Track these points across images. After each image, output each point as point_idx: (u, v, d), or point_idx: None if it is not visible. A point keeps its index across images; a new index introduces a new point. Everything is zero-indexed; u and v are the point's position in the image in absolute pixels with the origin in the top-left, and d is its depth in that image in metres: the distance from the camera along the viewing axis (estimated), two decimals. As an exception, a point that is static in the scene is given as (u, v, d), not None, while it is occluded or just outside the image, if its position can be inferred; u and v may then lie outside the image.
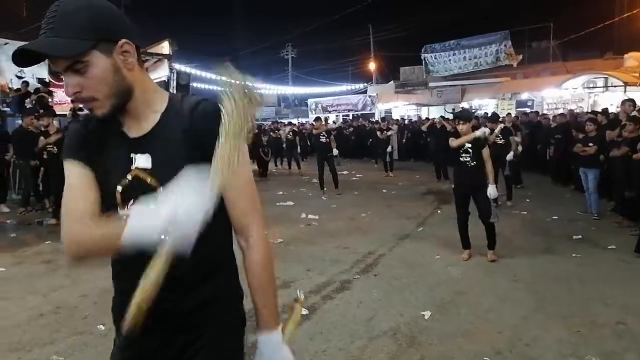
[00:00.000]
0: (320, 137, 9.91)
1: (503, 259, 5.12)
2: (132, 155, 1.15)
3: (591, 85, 15.89)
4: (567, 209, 7.57)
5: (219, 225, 1.19)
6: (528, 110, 16.52)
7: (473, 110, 17.55)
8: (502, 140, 7.80)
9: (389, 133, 12.48)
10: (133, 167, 1.14)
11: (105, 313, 3.81)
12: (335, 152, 9.89)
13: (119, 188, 1.14)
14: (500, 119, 8.74)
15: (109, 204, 1.15)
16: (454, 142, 4.97)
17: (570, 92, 16.36)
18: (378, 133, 12.95)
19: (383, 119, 14.44)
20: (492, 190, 4.87)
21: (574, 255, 5.21)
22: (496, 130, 7.68)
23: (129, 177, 1.14)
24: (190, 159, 1.09)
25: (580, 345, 3.18)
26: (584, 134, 7.51)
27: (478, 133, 5.02)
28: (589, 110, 12.23)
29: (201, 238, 1.01)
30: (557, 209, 7.51)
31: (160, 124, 1.16)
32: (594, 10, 21.21)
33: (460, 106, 18.66)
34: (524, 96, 18.20)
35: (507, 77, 19.42)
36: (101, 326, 3.56)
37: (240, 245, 1.27)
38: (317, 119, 10.95)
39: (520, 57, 19.32)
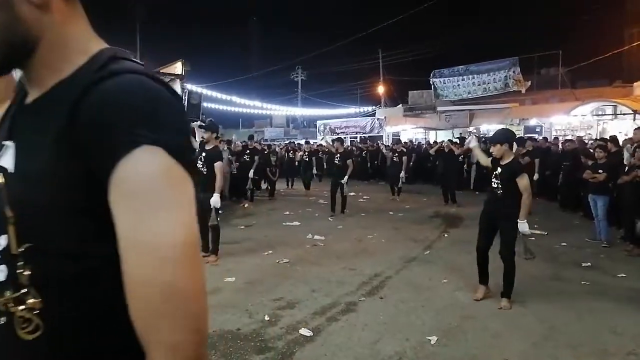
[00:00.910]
0: (335, 159, 9.85)
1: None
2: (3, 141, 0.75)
3: (600, 113, 15.89)
4: (576, 235, 7.49)
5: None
6: (536, 136, 16.51)
7: (482, 135, 17.52)
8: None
9: (403, 157, 12.12)
10: None
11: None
12: (345, 179, 9.55)
13: None
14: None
15: None
16: (482, 162, 4.88)
17: (579, 119, 16.38)
18: (394, 157, 12.63)
19: (398, 140, 14.24)
20: (522, 227, 4.29)
21: (583, 282, 5.14)
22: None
23: None
24: (57, 172, 0.67)
25: (590, 374, 3.11)
26: (593, 160, 7.48)
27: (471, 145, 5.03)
28: (598, 137, 12.20)
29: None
30: (565, 236, 7.44)
31: (46, 98, 0.73)
32: (603, 39, 21.41)
33: (469, 131, 18.70)
34: (533, 122, 18.23)
35: (516, 103, 19.49)
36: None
37: None
38: (339, 140, 10.67)
39: (529, 83, 19.44)
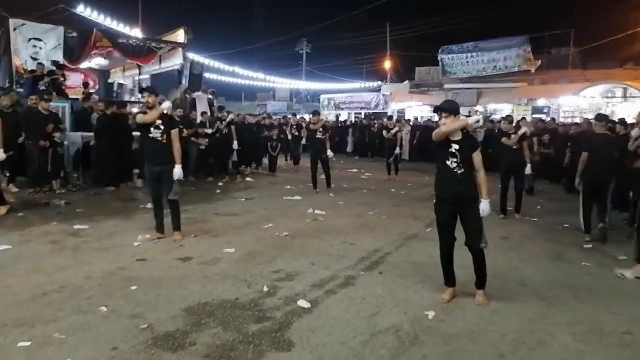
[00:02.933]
0: (317, 133, 9.41)
1: (512, 262, 5.06)
2: None
3: (609, 95, 15.68)
4: (579, 217, 7.44)
5: None
6: (544, 117, 16.34)
7: (489, 114, 17.35)
8: (516, 146, 7.23)
9: (393, 131, 11.79)
10: None
11: (108, 295, 3.85)
12: (330, 154, 9.41)
13: None
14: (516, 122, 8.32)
15: None
16: (435, 135, 3.86)
17: (588, 101, 16.18)
18: (384, 132, 12.55)
19: (390, 117, 13.99)
20: (485, 207, 3.79)
21: (583, 263, 5.13)
22: (513, 136, 7.20)
23: None
24: None
25: (585, 352, 3.12)
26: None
27: (471, 120, 4.13)
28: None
29: None
30: (568, 217, 7.40)
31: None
32: (616, 20, 20.88)
33: (475, 109, 18.51)
34: (541, 102, 18.02)
35: (524, 82, 19.23)
36: (104, 307, 3.57)
37: None
38: (315, 112, 10.19)
39: (539, 62, 19.15)
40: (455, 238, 3.91)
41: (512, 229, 6.58)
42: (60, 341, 3.05)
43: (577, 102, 16.49)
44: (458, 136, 3.78)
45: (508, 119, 7.92)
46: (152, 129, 5.41)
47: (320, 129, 9.40)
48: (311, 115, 10.30)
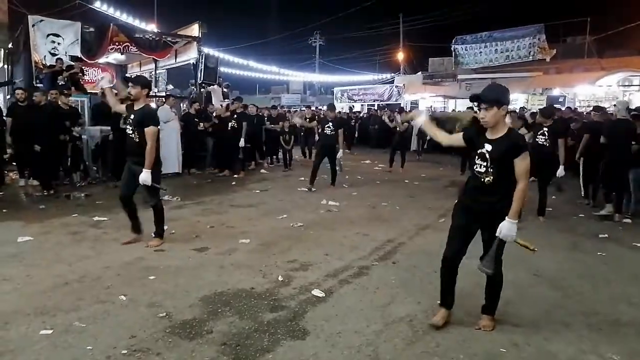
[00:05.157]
0: (326, 128, 8.68)
1: (525, 252, 5.02)
2: None
3: (627, 84, 15.38)
4: (594, 207, 7.36)
5: None
6: (560, 106, 16.09)
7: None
8: (547, 142, 6.42)
9: (394, 122, 11.45)
10: None
11: (127, 284, 3.93)
12: (340, 153, 8.70)
13: None
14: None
15: None
16: (442, 140, 3.32)
17: (605, 90, 15.90)
18: (387, 120, 12.30)
19: (401, 109, 13.85)
20: (506, 228, 2.98)
21: (599, 253, 5.08)
22: (528, 135, 6.53)
23: None
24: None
25: (601, 342, 3.10)
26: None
27: (412, 119, 3.58)
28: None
29: None
30: (584, 207, 7.33)
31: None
32: (633, 7, 20.40)
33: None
34: (556, 92, 17.75)
35: (539, 72, 18.95)
36: (122, 297, 3.65)
37: None
38: (331, 106, 9.41)
39: (554, 51, 18.83)
40: (465, 252, 3.22)
41: (525, 218, 6.53)
42: (81, 329, 3.13)
43: (594, 91, 16.21)
44: (497, 133, 3.01)
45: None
46: (128, 124, 4.89)
47: (329, 124, 8.68)
48: (327, 109, 9.58)
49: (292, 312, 3.47)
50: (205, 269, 4.37)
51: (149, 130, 4.71)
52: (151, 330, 3.14)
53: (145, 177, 4.68)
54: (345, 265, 4.55)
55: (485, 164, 3.01)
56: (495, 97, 2.96)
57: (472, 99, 3.09)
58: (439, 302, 3.38)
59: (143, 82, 4.90)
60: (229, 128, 10.27)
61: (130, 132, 4.82)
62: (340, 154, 8.74)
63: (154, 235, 5.10)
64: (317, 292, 3.82)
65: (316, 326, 3.24)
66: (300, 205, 7.35)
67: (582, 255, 5.04)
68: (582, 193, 7.82)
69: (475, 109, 3.74)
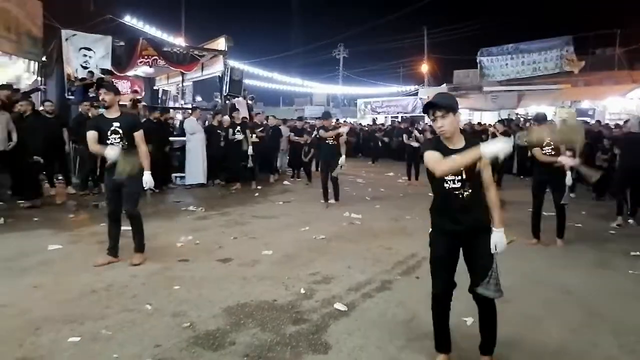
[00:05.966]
0: (327, 138, 8.24)
1: (553, 269, 4.91)
2: None
3: (659, 96, 14.97)
4: (626, 223, 7.15)
5: None
6: (589, 119, 15.75)
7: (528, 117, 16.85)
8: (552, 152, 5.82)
9: (414, 141, 11.39)
10: None
11: (152, 293, 3.99)
12: (341, 160, 8.12)
13: None
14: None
15: None
16: (433, 166, 2.72)
17: (636, 103, 15.50)
18: (404, 137, 12.16)
19: (412, 122, 13.78)
20: (498, 240, 2.75)
21: (630, 271, 4.92)
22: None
23: None
24: None
25: (633, 365, 3.00)
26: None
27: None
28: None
29: None
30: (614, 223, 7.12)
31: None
32: (666, 17, 19.93)
33: (516, 112, 18.03)
34: (585, 105, 17.38)
35: (568, 84, 18.61)
36: (148, 305, 3.71)
37: None
38: (327, 114, 8.91)
39: (583, 63, 18.50)
40: (455, 283, 2.93)
41: (554, 235, 6.38)
42: (108, 337, 3.19)
43: (624, 104, 15.82)
44: (458, 142, 2.76)
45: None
46: (109, 134, 4.57)
47: (332, 138, 8.21)
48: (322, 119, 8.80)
49: (314, 325, 3.47)
50: (228, 279, 4.42)
51: (140, 134, 4.70)
52: (175, 339, 3.18)
53: (149, 178, 4.69)
54: (368, 278, 4.53)
55: (459, 177, 2.72)
56: (449, 103, 2.74)
57: (426, 107, 2.79)
58: (434, 348, 3.01)
59: (115, 89, 4.80)
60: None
61: (117, 140, 4.58)
62: (342, 160, 8.18)
63: (134, 251, 4.88)
64: (339, 306, 3.80)
65: (338, 340, 3.23)
66: (322, 218, 7.36)
67: (613, 273, 4.89)
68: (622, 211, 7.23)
69: (427, 119, 3.46)
